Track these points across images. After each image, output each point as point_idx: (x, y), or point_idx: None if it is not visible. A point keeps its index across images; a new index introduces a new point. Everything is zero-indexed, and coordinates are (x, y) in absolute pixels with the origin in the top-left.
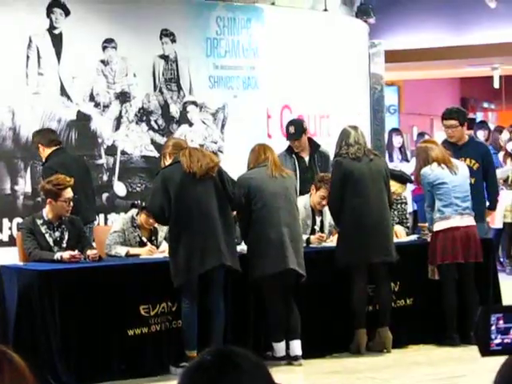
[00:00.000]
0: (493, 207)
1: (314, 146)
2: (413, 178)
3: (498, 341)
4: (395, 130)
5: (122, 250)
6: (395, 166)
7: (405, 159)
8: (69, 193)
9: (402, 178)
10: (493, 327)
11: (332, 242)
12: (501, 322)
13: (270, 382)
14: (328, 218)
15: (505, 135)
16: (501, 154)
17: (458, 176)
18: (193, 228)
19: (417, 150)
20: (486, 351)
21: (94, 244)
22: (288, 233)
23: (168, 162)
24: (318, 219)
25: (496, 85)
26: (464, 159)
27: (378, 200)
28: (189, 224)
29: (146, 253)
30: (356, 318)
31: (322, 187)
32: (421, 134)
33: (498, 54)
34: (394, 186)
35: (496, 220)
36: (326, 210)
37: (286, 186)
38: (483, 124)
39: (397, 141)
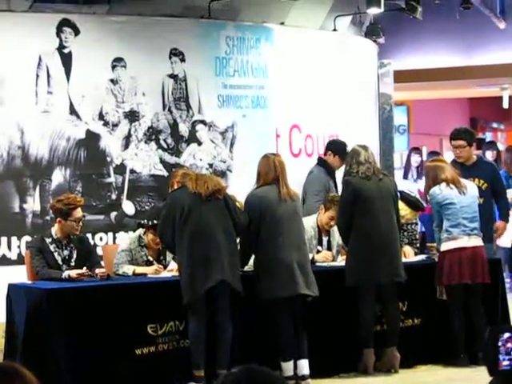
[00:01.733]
0: (504, 219)
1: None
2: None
3: (506, 362)
4: (415, 149)
5: (128, 269)
6: (410, 187)
7: (420, 178)
8: (79, 212)
9: (415, 205)
10: (501, 348)
11: (342, 261)
12: (509, 342)
13: None
14: (336, 238)
15: None
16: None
17: (466, 196)
18: (197, 247)
19: (426, 168)
20: (494, 371)
21: (102, 263)
22: (297, 256)
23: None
24: (325, 239)
25: (505, 105)
26: (473, 179)
27: (387, 219)
28: (193, 243)
29: (152, 272)
30: (364, 338)
31: (331, 208)
32: (432, 153)
33: (508, 74)
34: (406, 210)
35: (503, 239)
36: (335, 229)
37: (294, 208)
38: (492, 144)
39: (414, 160)
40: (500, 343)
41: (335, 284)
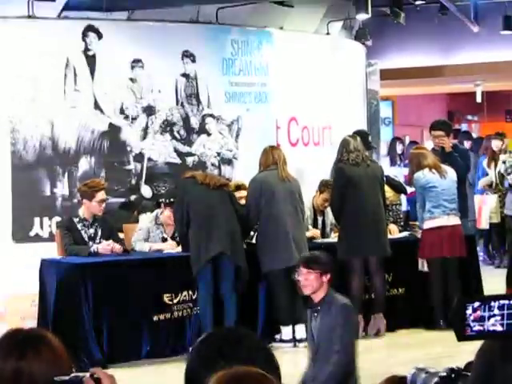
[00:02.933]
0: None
1: None
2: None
3: (474, 328)
4: (398, 139)
5: (145, 246)
6: (398, 172)
7: (404, 165)
8: (102, 195)
9: (398, 189)
10: (468, 315)
11: (335, 237)
12: (476, 310)
13: (272, 358)
14: (330, 218)
15: (495, 142)
16: (485, 160)
17: (446, 180)
18: (201, 226)
19: (410, 155)
20: (461, 337)
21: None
22: (294, 232)
23: None
24: (320, 219)
25: (478, 99)
26: (449, 164)
27: (374, 201)
28: (198, 223)
29: (166, 248)
30: (354, 305)
31: (325, 191)
32: (412, 142)
33: (480, 72)
34: (390, 192)
35: (482, 222)
36: (328, 210)
37: (292, 190)
38: (468, 135)
39: (400, 148)
40: (467, 311)
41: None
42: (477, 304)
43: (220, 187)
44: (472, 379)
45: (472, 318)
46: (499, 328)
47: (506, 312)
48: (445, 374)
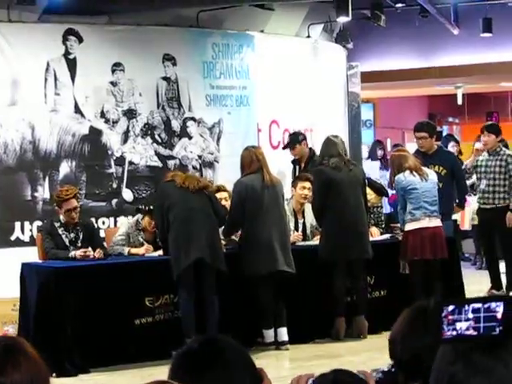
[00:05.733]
0: (462, 205)
1: (310, 155)
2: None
3: (449, 332)
4: (378, 143)
5: (123, 250)
6: (380, 175)
7: (386, 168)
8: (69, 204)
9: (379, 191)
10: (443, 318)
11: (316, 240)
12: (450, 314)
13: (251, 365)
14: (309, 220)
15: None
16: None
17: (427, 182)
18: (180, 230)
19: (391, 158)
20: (438, 340)
21: (105, 244)
22: (278, 236)
23: None
24: (301, 221)
25: (459, 101)
26: (433, 166)
27: (356, 205)
28: (177, 227)
29: (143, 251)
30: (336, 308)
31: (297, 182)
32: (396, 145)
33: (461, 74)
34: (371, 195)
35: (466, 223)
36: (308, 212)
37: (276, 193)
38: (452, 137)
39: (379, 153)
40: (444, 314)
41: (311, 260)
42: (451, 308)
43: (200, 190)
44: None
45: (446, 321)
46: (473, 332)
47: (482, 315)
48: (387, 368)
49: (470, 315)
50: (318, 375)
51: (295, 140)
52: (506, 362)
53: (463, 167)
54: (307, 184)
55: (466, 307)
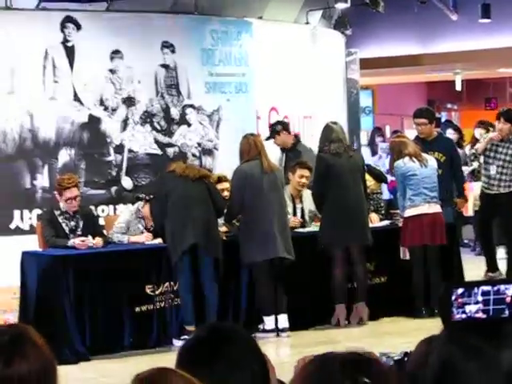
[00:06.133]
0: (462, 196)
1: (294, 143)
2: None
3: (459, 315)
4: (378, 130)
5: (123, 238)
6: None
7: (375, 154)
8: (70, 192)
9: (379, 178)
10: (454, 301)
11: (315, 226)
12: (459, 297)
13: (257, 351)
14: (307, 205)
15: (478, 130)
16: (467, 148)
17: (427, 169)
18: (177, 216)
19: (391, 144)
20: (448, 323)
21: (105, 231)
22: (277, 223)
23: None
24: (299, 206)
25: (458, 87)
26: (433, 153)
27: (356, 191)
28: (174, 213)
29: (143, 239)
30: (336, 294)
31: (296, 169)
32: (395, 132)
33: (460, 60)
34: (371, 181)
35: (469, 209)
36: (306, 197)
37: (275, 180)
38: (451, 124)
39: (378, 140)
40: (453, 297)
41: (311, 247)
42: (460, 290)
43: (200, 179)
44: (431, 376)
45: (456, 304)
46: (482, 315)
47: (492, 297)
48: (400, 357)
49: (480, 298)
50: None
51: (273, 131)
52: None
53: (473, 151)
54: (306, 172)
55: (476, 290)
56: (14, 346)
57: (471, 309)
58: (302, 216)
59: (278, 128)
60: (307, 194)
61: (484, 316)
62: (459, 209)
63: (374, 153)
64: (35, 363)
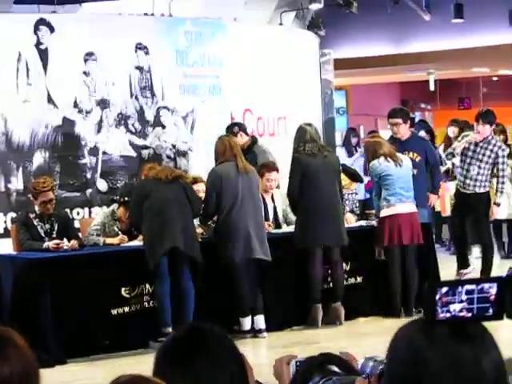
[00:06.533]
0: (436, 192)
1: (249, 144)
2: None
3: (442, 314)
4: (352, 130)
5: (98, 240)
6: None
7: (351, 155)
8: (44, 196)
9: (354, 177)
10: (437, 300)
11: (290, 227)
12: (444, 295)
13: (235, 351)
14: (280, 204)
15: (450, 128)
16: (441, 148)
17: (402, 169)
18: (154, 220)
19: (366, 144)
20: (431, 322)
21: (80, 234)
22: (253, 224)
23: None
24: (270, 206)
25: (432, 87)
26: (407, 153)
27: (331, 191)
28: (151, 217)
29: (117, 241)
30: (313, 295)
31: (264, 172)
32: (371, 132)
33: (433, 60)
34: (346, 180)
35: (447, 209)
36: (277, 197)
37: (250, 181)
38: (425, 124)
39: (354, 140)
40: (437, 296)
41: (287, 247)
42: (445, 289)
43: (174, 179)
44: (396, 366)
45: (440, 303)
46: (467, 314)
47: (476, 296)
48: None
49: (464, 297)
50: (305, 357)
51: (231, 133)
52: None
53: (450, 150)
54: (274, 175)
55: (460, 289)
56: None
57: (455, 308)
58: (275, 215)
59: (235, 129)
60: (279, 194)
61: (469, 315)
62: (430, 204)
63: (349, 153)
64: (17, 365)
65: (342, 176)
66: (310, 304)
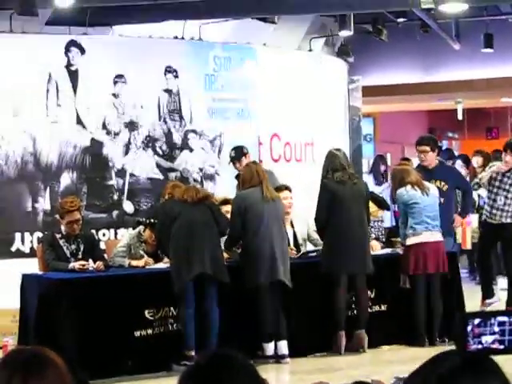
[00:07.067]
0: (464, 215)
1: None
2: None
3: (474, 345)
4: (381, 158)
5: (124, 262)
6: (383, 190)
7: (379, 184)
8: (72, 216)
9: (381, 204)
10: (469, 331)
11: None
12: (476, 327)
13: (258, 378)
14: (299, 230)
15: (475, 159)
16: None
17: (429, 197)
18: (181, 243)
19: (393, 171)
20: (463, 352)
21: (105, 255)
22: (278, 249)
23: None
24: (290, 232)
25: (459, 116)
26: (435, 181)
27: (359, 219)
28: (178, 240)
29: (142, 263)
30: (337, 321)
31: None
32: (404, 159)
33: (461, 89)
34: (373, 207)
35: (467, 242)
36: (296, 223)
37: (276, 208)
38: (450, 153)
39: (382, 168)
40: (470, 327)
41: (312, 273)
42: (477, 321)
43: (200, 201)
44: None
45: (472, 334)
46: (499, 346)
47: (507, 328)
48: None
49: (496, 328)
50: None
51: (241, 153)
52: None
53: (476, 180)
54: (287, 193)
55: (492, 320)
56: (32, 365)
57: (487, 339)
58: (295, 241)
59: (245, 150)
60: (298, 220)
61: (501, 347)
62: (456, 225)
63: (376, 180)
64: (53, 383)
65: (370, 203)
66: (334, 331)
